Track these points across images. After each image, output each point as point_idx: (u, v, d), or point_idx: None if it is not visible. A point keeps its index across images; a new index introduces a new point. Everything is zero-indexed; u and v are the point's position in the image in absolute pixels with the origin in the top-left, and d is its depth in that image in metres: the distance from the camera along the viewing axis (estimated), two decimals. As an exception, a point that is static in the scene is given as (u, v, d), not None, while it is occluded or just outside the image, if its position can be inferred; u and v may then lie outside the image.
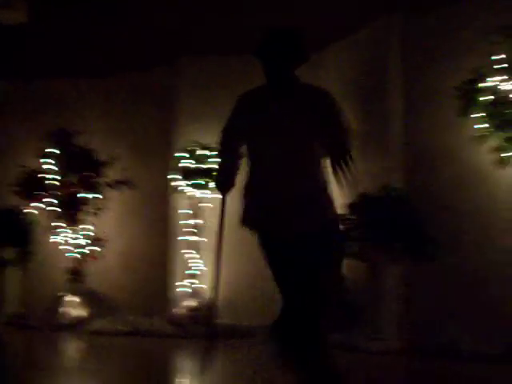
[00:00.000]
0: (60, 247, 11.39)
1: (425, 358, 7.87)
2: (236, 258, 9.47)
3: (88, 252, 11.35)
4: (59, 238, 11.38)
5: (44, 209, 11.29)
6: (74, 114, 11.97)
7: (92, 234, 11.42)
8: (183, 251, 10.66)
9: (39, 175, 11.27)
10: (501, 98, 7.88)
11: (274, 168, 4.46)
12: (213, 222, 10.46)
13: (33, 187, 11.27)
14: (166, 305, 10.66)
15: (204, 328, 9.80)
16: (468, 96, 8.03)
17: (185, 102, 11.13)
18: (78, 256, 11.32)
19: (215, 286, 4.85)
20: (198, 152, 10.50)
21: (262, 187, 4.53)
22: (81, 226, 11.37)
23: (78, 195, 11.26)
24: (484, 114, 7.98)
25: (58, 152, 11.35)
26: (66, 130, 11.39)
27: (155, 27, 10.76)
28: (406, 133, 9.04)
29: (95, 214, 11.38)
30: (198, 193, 10.53)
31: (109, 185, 11.28)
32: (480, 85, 7.99)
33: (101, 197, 11.34)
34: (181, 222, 10.77)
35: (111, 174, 11.30)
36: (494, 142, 7.96)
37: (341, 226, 4.67)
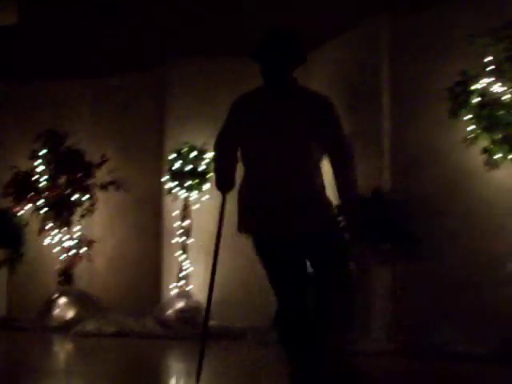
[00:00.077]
0: (50, 249, 11.38)
1: (417, 359, 7.88)
2: (228, 259, 9.47)
3: (78, 254, 11.34)
4: (50, 240, 11.37)
5: (35, 210, 11.27)
6: (65, 116, 11.95)
7: (82, 235, 11.41)
8: (173, 253, 10.65)
9: (30, 177, 11.25)
10: (490, 99, 7.90)
11: (272, 170, 4.47)
12: (202, 224, 10.53)
13: (24, 189, 11.25)
14: (156, 306, 10.64)
15: (193, 329, 9.84)
16: (458, 98, 8.05)
17: (176, 103, 11.12)
18: (69, 257, 11.30)
19: (210, 287, 4.86)
20: (190, 154, 10.49)
21: (259, 190, 4.54)
22: (71, 228, 11.36)
23: (69, 197, 11.25)
24: (473, 116, 7.99)
25: (48, 153, 11.34)
26: (57, 132, 11.38)
27: (146, 29, 10.77)
28: (395, 134, 9.05)
29: (86, 215, 11.36)
30: (188, 194, 10.53)
31: (99, 186, 11.27)
32: (470, 87, 8.00)
33: (91, 198, 11.33)
34: (171, 224, 10.76)
35: (102, 175, 11.28)
36: (483, 143, 7.98)
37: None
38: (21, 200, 11.27)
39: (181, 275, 10.53)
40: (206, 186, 10.47)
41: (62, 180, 11.31)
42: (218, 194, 9.96)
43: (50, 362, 8.55)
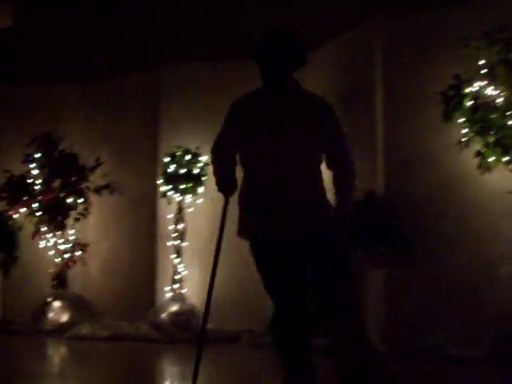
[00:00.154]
0: (45, 252, 11.38)
1: (412, 362, 7.89)
2: (222, 262, 9.46)
3: (73, 257, 11.33)
4: (44, 243, 11.36)
5: (29, 214, 11.27)
6: (59, 119, 11.93)
7: (77, 239, 11.40)
8: (168, 256, 10.65)
9: (24, 180, 11.25)
10: (483, 103, 7.92)
11: (273, 171, 4.45)
12: (197, 227, 10.53)
13: (18, 192, 11.25)
14: (150, 310, 10.64)
15: (188, 333, 9.85)
16: (451, 101, 8.07)
17: (170, 106, 11.12)
18: (63, 261, 11.30)
19: (210, 291, 4.84)
20: (184, 157, 10.49)
21: (260, 191, 4.52)
22: (66, 231, 11.35)
23: (63, 200, 11.24)
24: (466, 119, 8.01)
25: (42, 157, 11.33)
26: (51, 135, 11.38)
27: (141, 32, 10.78)
28: (389, 137, 9.06)
29: (80, 219, 11.36)
30: (182, 198, 10.53)
31: (94, 190, 11.27)
32: (463, 90, 8.03)
33: (86, 202, 11.33)
34: (165, 227, 10.76)
35: (96, 179, 11.28)
36: (477, 147, 8.00)
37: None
38: (15, 203, 11.26)
39: (175, 278, 10.53)
40: (201, 190, 10.47)
41: (57, 183, 11.31)
42: (212, 197, 10.05)
43: (43, 365, 8.55)
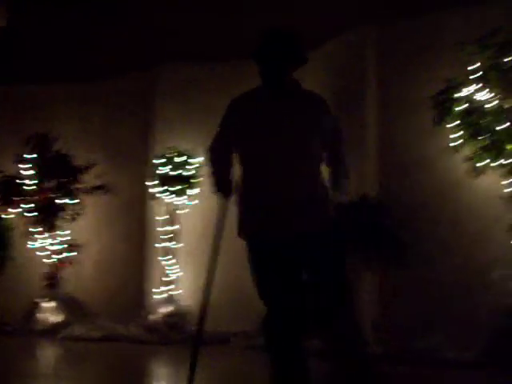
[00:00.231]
0: (37, 253, 11.38)
1: (405, 364, 7.90)
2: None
3: (65, 258, 11.33)
4: (36, 244, 11.36)
5: (21, 214, 11.27)
6: (53, 120, 11.94)
7: (68, 240, 11.40)
8: (160, 257, 10.66)
9: (17, 180, 11.25)
10: (475, 107, 7.95)
11: (273, 170, 4.44)
12: (189, 229, 10.55)
13: (10, 192, 11.24)
14: (142, 311, 10.64)
15: (180, 334, 9.86)
16: (443, 105, 8.10)
17: (163, 108, 11.13)
18: (55, 262, 11.30)
19: (207, 292, 4.82)
20: (177, 159, 10.50)
21: (260, 190, 4.50)
22: (58, 232, 11.35)
23: (56, 201, 11.24)
24: (458, 123, 8.05)
25: (35, 157, 11.33)
26: (44, 135, 11.38)
27: (135, 34, 10.79)
28: (382, 141, 9.09)
29: (72, 219, 11.36)
30: (175, 199, 10.54)
31: (86, 191, 11.27)
32: (455, 94, 8.06)
33: (77, 203, 11.33)
34: (158, 229, 10.77)
35: (88, 179, 11.29)
36: (468, 151, 8.03)
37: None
38: (8, 204, 11.25)
39: (167, 280, 10.54)
40: (193, 191, 10.48)
41: (50, 184, 11.31)
42: (205, 199, 10.07)
43: (36, 366, 8.54)
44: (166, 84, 11.15)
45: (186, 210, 10.59)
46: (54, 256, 11.28)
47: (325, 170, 4.70)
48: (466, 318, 8.23)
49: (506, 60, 7.79)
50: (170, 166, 10.45)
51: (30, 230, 11.29)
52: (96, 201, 11.35)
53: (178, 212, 10.60)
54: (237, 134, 4.58)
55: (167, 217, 10.64)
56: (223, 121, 4.69)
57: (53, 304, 11.04)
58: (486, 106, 7.91)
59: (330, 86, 9.42)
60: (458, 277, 8.40)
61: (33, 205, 11.20)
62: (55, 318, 10.95)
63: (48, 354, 9.97)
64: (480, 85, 7.95)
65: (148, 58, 10.96)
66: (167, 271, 10.55)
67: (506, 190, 7.87)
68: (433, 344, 8.09)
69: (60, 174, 11.28)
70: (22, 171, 11.27)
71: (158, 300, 10.54)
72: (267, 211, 4.45)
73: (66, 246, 11.32)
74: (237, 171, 4.68)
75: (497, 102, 7.88)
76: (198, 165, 10.41)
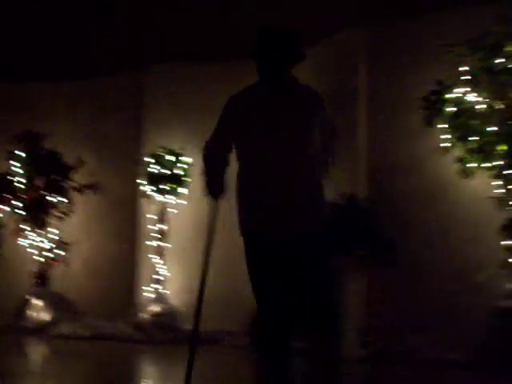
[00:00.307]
0: (27, 251, 11.36)
1: (391, 365, 7.92)
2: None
3: (54, 256, 11.32)
4: (25, 242, 11.34)
5: (11, 212, 11.25)
6: (42, 118, 11.92)
7: (58, 237, 11.39)
8: (149, 256, 10.65)
9: (8, 177, 11.23)
10: (465, 109, 7.97)
11: (273, 170, 4.42)
12: (179, 228, 10.54)
13: (1, 189, 11.21)
14: (130, 310, 10.63)
15: (168, 334, 9.86)
16: (433, 107, 8.12)
17: (153, 107, 11.13)
18: (44, 260, 11.28)
19: (201, 291, 4.80)
20: (167, 158, 10.49)
21: (259, 188, 4.48)
22: (47, 230, 11.34)
23: (45, 199, 11.22)
24: (449, 124, 8.07)
25: (25, 155, 11.31)
26: (34, 133, 11.36)
27: (125, 33, 10.78)
28: (371, 142, 9.10)
29: (62, 217, 11.35)
30: (164, 198, 10.53)
31: (76, 189, 11.26)
32: (445, 96, 8.08)
33: (67, 201, 11.32)
34: (147, 228, 10.76)
35: (78, 178, 11.28)
36: (457, 152, 8.05)
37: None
38: (-1, 201, 11.25)
39: (156, 279, 10.53)
40: (183, 191, 10.47)
41: (39, 182, 11.29)
42: (195, 199, 10.07)
43: (23, 364, 8.52)
44: (157, 83, 11.14)
45: (176, 211, 10.58)
46: (43, 254, 11.26)
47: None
48: (453, 319, 8.25)
49: (496, 62, 7.80)
50: (161, 165, 10.44)
51: (21, 227, 11.26)
52: (86, 199, 11.34)
53: (168, 211, 10.59)
54: (235, 132, 4.55)
55: (156, 216, 10.62)
56: (221, 118, 4.65)
57: (41, 302, 11.02)
58: (476, 107, 7.92)
59: (321, 87, 9.41)
60: (446, 277, 8.43)
61: (22, 202, 11.17)
62: (44, 315, 10.92)
63: (36, 352, 9.95)
64: (470, 87, 7.97)
65: (139, 57, 10.95)
66: (157, 270, 10.54)
67: (495, 191, 7.88)
68: (419, 344, 8.10)
69: (50, 172, 11.26)
70: (12, 168, 11.24)
71: (147, 299, 10.54)
72: (266, 210, 4.43)
73: (55, 244, 11.31)
74: (234, 170, 4.66)
75: (487, 103, 7.90)
76: (187, 165, 10.41)
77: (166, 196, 10.49)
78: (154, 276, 10.55)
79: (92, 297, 11.37)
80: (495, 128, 7.81)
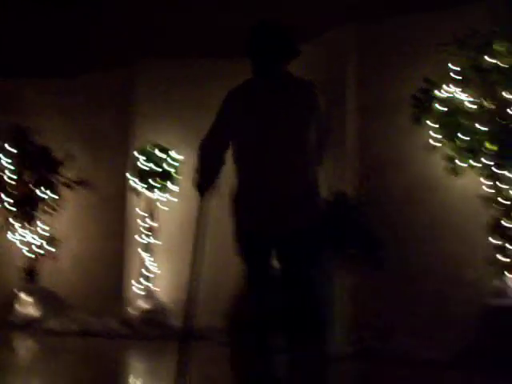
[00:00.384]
0: (15, 246, 11.33)
1: (378, 364, 7.92)
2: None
3: (43, 252, 11.30)
4: (14, 237, 11.32)
5: (1, 206, 11.22)
6: (31, 113, 11.88)
7: (47, 233, 11.37)
8: (138, 253, 10.64)
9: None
10: (454, 107, 7.99)
11: (270, 164, 4.43)
12: (168, 224, 10.54)
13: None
14: (119, 306, 10.63)
15: (156, 330, 9.86)
16: (422, 105, 8.13)
17: (143, 103, 11.11)
18: (33, 255, 11.27)
19: (193, 287, 4.80)
20: (156, 153, 10.48)
21: (256, 186, 4.49)
22: (36, 225, 11.32)
23: (34, 194, 11.20)
24: (437, 124, 8.08)
25: (14, 150, 11.28)
26: (22, 128, 11.33)
27: (115, 27, 10.76)
28: (360, 140, 9.11)
29: (51, 213, 11.33)
30: (154, 195, 10.52)
31: (65, 184, 11.24)
32: (435, 93, 8.09)
33: (57, 196, 11.30)
34: (137, 224, 10.75)
35: (68, 173, 11.26)
36: (446, 151, 8.07)
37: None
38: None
39: (145, 275, 10.53)
40: (173, 187, 10.46)
41: (29, 177, 11.26)
42: (185, 195, 10.07)
43: (10, 359, 8.51)
44: (147, 79, 11.11)
45: (165, 208, 10.58)
46: (32, 249, 11.24)
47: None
48: (443, 317, 8.27)
49: (485, 61, 7.81)
50: (151, 161, 10.43)
51: (10, 222, 11.24)
52: (76, 194, 11.32)
53: (157, 207, 10.58)
54: (232, 128, 4.56)
55: (146, 212, 10.61)
56: (219, 114, 4.66)
57: (30, 297, 11.00)
58: (466, 105, 7.94)
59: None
60: (435, 276, 8.44)
61: (11, 197, 11.14)
62: (32, 311, 10.90)
63: (24, 348, 9.94)
64: (459, 85, 7.98)
65: (126, 53, 10.93)
66: (146, 266, 10.53)
67: (484, 189, 7.90)
68: (406, 343, 8.12)
69: (39, 167, 11.23)
70: (2, 162, 11.21)
71: (136, 295, 10.53)
72: (261, 206, 4.44)
73: (44, 239, 11.29)
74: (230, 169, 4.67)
75: (477, 102, 7.92)
76: (177, 162, 10.41)
77: (156, 192, 10.48)
78: (143, 272, 10.55)
79: (81, 292, 11.35)
80: (483, 127, 7.83)
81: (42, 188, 11.20)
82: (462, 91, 7.98)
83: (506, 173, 7.75)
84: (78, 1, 10.96)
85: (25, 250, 11.28)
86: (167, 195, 10.51)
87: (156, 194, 10.50)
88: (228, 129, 4.60)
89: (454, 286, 8.28)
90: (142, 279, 10.54)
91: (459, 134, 7.93)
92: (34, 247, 11.27)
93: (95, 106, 11.78)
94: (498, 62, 7.76)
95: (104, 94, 11.72)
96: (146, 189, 10.46)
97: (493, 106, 7.86)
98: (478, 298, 7.88)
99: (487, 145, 7.78)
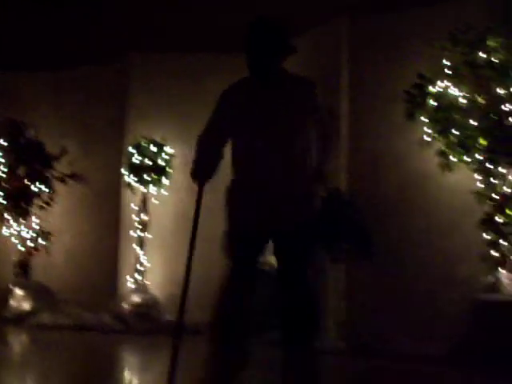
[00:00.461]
0: (8, 240, 11.33)
1: (369, 358, 7.94)
2: (184, 254, 9.49)
3: (36, 246, 11.30)
4: (7, 231, 11.32)
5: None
6: (25, 107, 11.87)
7: (40, 227, 11.37)
8: (131, 247, 10.64)
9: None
10: (447, 103, 8.00)
11: (267, 160, 4.44)
12: (161, 219, 10.54)
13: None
14: (112, 300, 10.63)
15: (149, 324, 9.87)
16: (415, 100, 8.14)
17: (137, 97, 11.11)
18: (26, 249, 11.26)
19: (186, 281, 4.81)
20: (149, 148, 10.48)
21: (253, 183, 4.49)
22: (30, 220, 11.32)
23: (28, 188, 11.20)
24: (429, 119, 8.09)
25: (8, 143, 11.28)
26: (16, 122, 11.32)
27: (108, 23, 10.75)
28: (353, 135, 9.12)
29: (44, 207, 11.33)
30: (147, 189, 10.53)
31: (59, 179, 11.24)
32: (429, 89, 8.10)
33: (50, 190, 11.29)
34: (129, 218, 10.75)
35: (61, 167, 11.25)
36: (439, 146, 8.08)
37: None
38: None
39: (138, 270, 10.54)
40: (165, 181, 10.46)
41: (22, 171, 11.26)
42: (177, 190, 10.09)
43: (4, 353, 8.51)
44: (140, 73, 11.12)
45: (158, 202, 10.58)
46: (25, 244, 11.24)
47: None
48: (431, 312, 8.29)
49: (478, 56, 7.83)
50: (144, 156, 10.43)
51: (4, 216, 11.23)
52: (69, 189, 11.32)
53: (150, 201, 10.58)
54: (228, 125, 4.57)
55: (138, 207, 10.61)
56: (215, 111, 4.66)
57: (23, 291, 11.00)
58: (459, 101, 7.95)
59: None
60: (427, 271, 8.46)
61: (4, 192, 11.14)
62: (24, 305, 10.90)
63: (16, 342, 9.93)
64: (453, 81, 7.99)
65: (120, 47, 10.92)
66: (139, 260, 10.54)
67: (477, 184, 7.92)
68: (397, 338, 8.14)
69: (32, 161, 11.23)
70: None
71: (129, 289, 10.54)
72: (258, 201, 4.45)
73: (37, 234, 11.29)
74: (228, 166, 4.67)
75: (470, 98, 7.93)
76: (170, 156, 10.41)
77: (149, 187, 10.49)
78: (136, 266, 10.55)
79: (74, 287, 11.35)
80: (476, 123, 7.84)
81: (36, 182, 11.19)
82: (455, 87, 7.99)
83: (499, 168, 7.78)
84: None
85: (18, 244, 11.27)
86: (160, 189, 10.50)
87: (149, 188, 10.50)
88: (225, 125, 4.61)
89: (447, 282, 8.30)
90: (134, 273, 10.54)
91: (452, 130, 7.94)
92: (27, 241, 11.27)
93: (89, 101, 11.79)
94: (492, 58, 7.78)
95: (98, 89, 11.72)
96: (139, 183, 10.46)
97: (486, 102, 7.88)
98: (470, 293, 7.90)
99: (480, 140, 7.80)
